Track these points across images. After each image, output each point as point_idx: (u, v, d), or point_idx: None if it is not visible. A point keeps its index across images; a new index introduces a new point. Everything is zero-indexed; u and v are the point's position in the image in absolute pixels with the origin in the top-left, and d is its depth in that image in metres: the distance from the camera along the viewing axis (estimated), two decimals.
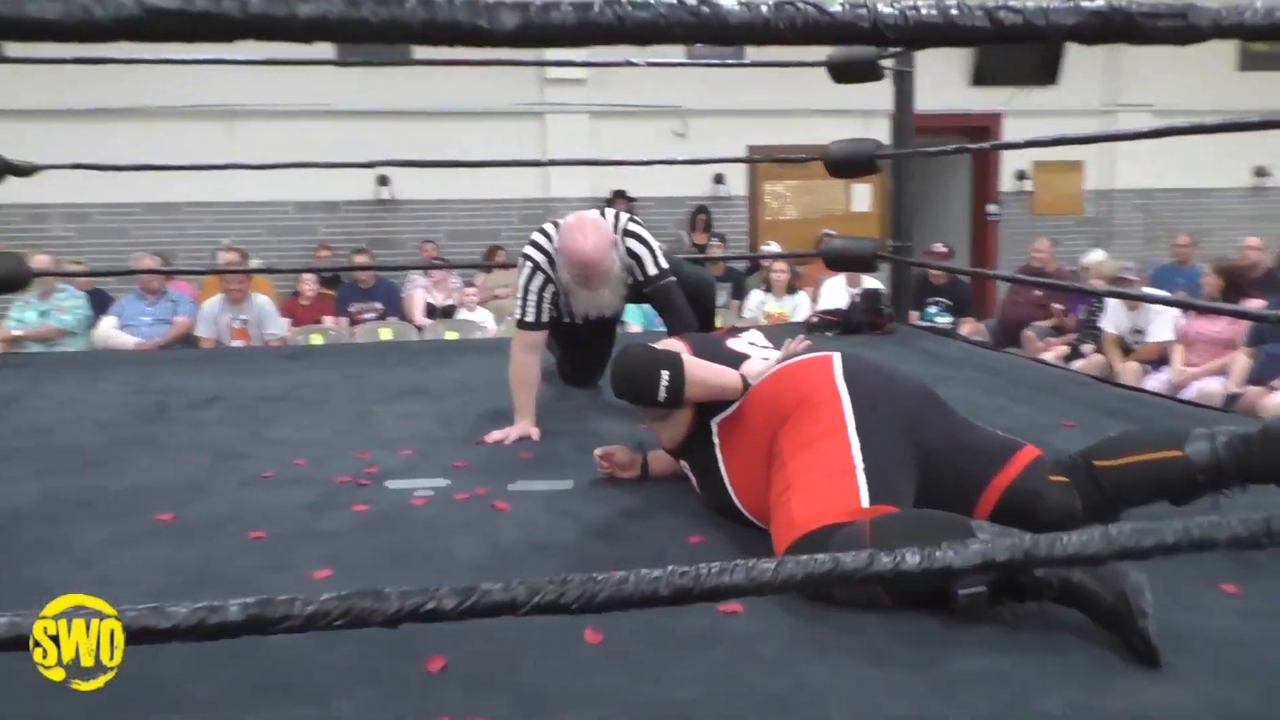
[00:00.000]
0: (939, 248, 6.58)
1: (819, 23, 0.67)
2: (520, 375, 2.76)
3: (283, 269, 6.73)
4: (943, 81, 8.72)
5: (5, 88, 6.91)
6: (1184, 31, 0.72)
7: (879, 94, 4.65)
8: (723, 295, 7.18)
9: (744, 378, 1.92)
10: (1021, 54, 8.76)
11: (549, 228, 2.82)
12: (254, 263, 7.49)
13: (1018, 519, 1.81)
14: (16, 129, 7.01)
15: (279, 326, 5.69)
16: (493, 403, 2.95)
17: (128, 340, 5.52)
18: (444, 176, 7.75)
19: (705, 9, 0.65)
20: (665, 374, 1.87)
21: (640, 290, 2.89)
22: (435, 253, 7.68)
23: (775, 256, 6.77)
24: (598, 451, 2.28)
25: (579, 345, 3.10)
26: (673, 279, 2.88)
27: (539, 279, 2.80)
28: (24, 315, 5.59)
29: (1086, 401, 3.00)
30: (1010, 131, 8.81)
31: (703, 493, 2.00)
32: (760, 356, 2.02)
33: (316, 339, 6.07)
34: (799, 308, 6.16)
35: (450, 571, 1.76)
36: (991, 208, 9.32)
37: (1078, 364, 5.56)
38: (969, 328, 6.32)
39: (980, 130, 8.94)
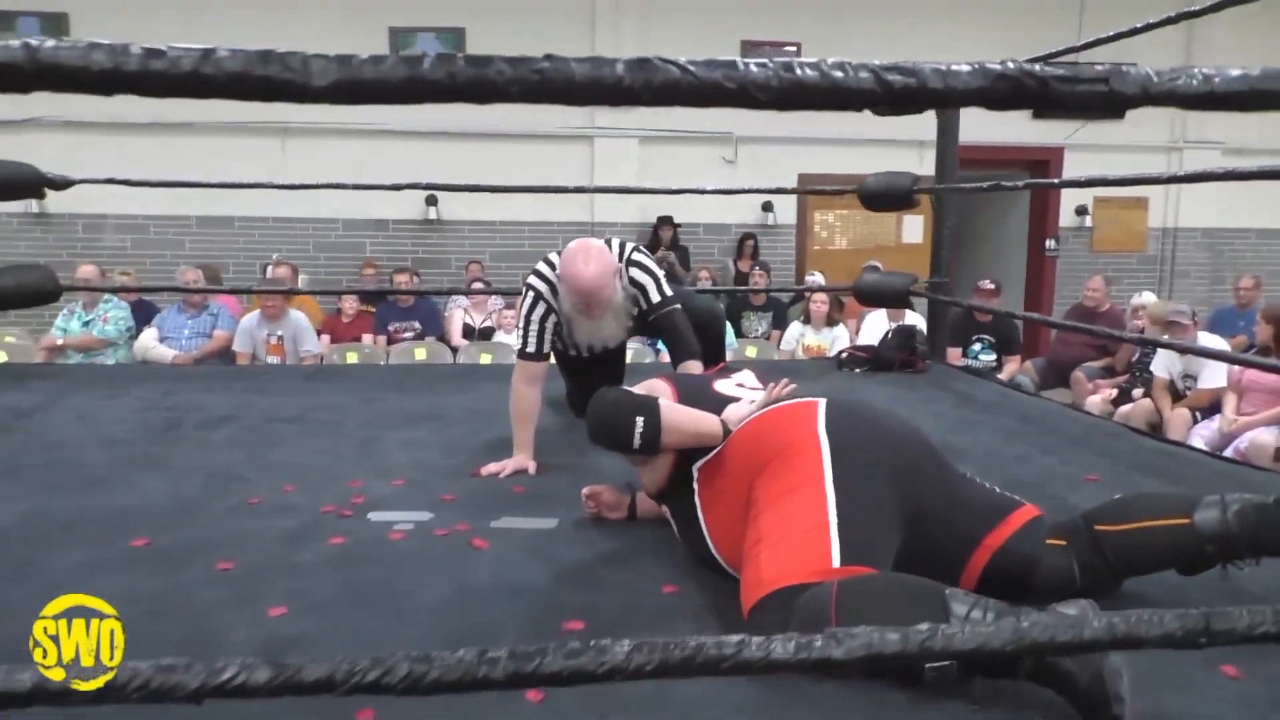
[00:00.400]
0: (986, 284, 6.41)
1: (679, 83, 0.61)
2: (520, 407, 2.71)
3: (313, 290, 6.79)
4: (1004, 114, 8.54)
5: (65, 100, 7.11)
6: (1106, 98, 0.64)
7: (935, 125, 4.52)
8: (763, 325, 7.09)
9: (725, 423, 1.84)
10: None
11: (553, 256, 2.77)
12: (301, 279, 7.61)
13: (1010, 582, 1.71)
14: (75, 140, 7.22)
15: (314, 344, 5.73)
16: (502, 431, 2.90)
17: (166, 353, 5.59)
18: (491, 198, 7.77)
19: (549, 66, 0.59)
20: (640, 420, 1.80)
21: (645, 320, 2.83)
22: (481, 274, 7.71)
23: (805, 289, 6.66)
24: (585, 491, 2.22)
25: (585, 376, 3.04)
26: (677, 307, 2.82)
27: (541, 309, 2.75)
28: (69, 325, 5.71)
29: (1117, 454, 2.86)
30: (1072, 166, 8.59)
31: (682, 540, 1.92)
32: (746, 399, 1.94)
33: (352, 357, 6.10)
34: (837, 341, 6.04)
35: (409, 613, 1.70)
36: (1050, 243, 9.08)
37: (1124, 409, 5.35)
38: (1014, 366, 6.13)
39: (1041, 164, 8.74)
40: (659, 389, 1.99)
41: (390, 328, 6.69)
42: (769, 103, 0.63)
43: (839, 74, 0.62)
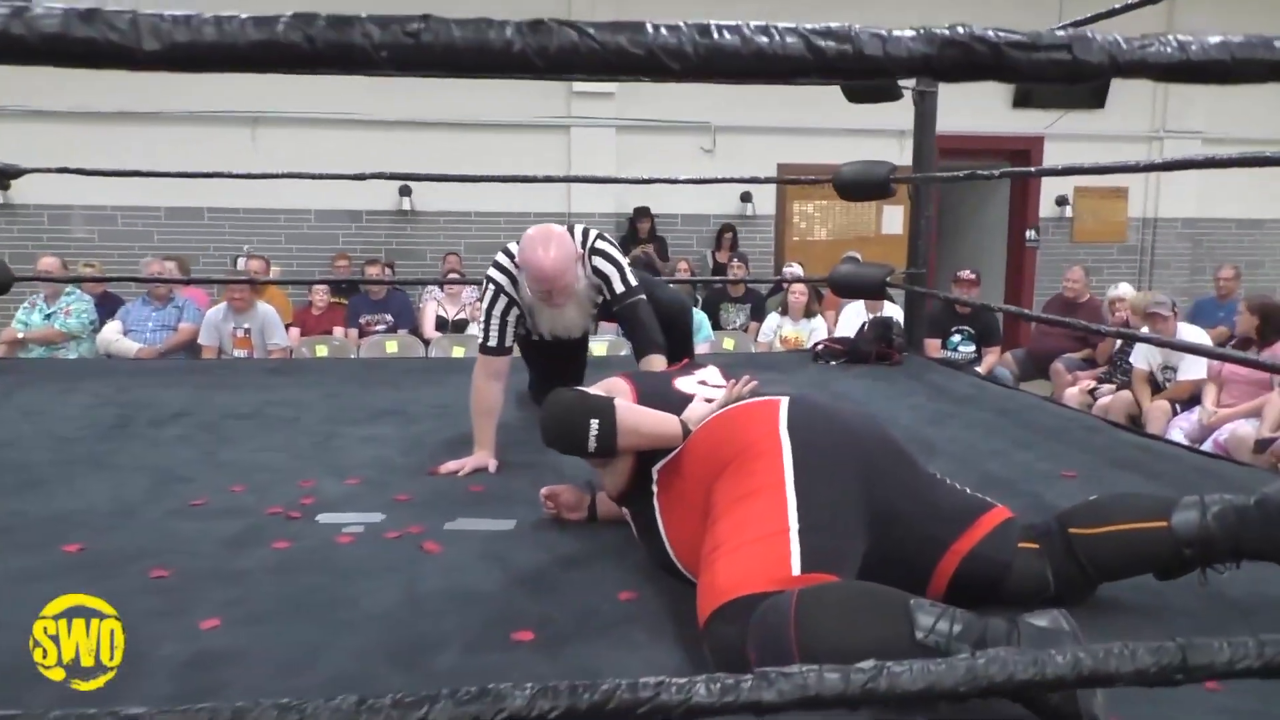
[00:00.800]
0: (966, 274, 6.35)
1: (577, 48, 0.52)
2: (481, 403, 2.62)
3: (280, 280, 6.66)
4: (983, 103, 8.48)
5: (30, 90, 6.96)
6: (1069, 67, 0.55)
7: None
8: (741, 316, 7.01)
9: (684, 424, 1.75)
10: None
11: (512, 246, 2.67)
12: (273, 271, 7.48)
13: (981, 588, 1.64)
14: (39, 130, 7.06)
15: (283, 337, 5.61)
16: (468, 428, 2.81)
17: (130, 346, 5.46)
18: (466, 189, 7.65)
19: (424, 28, 0.51)
20: (595, 423, 1.72)
21: (609, 310, 2.74)
22: (458, 265, 7.59)
23: (783, 280, 6.58)
24: (543, 491, 2.13)
25: (549, 362, 2.94)
26: (642, 298, 2.73)
27: (502, 302, 2.66)
28: (30, 318, 5.57)
29: (1095, 449, 2.79)
30: (1053, 156, 8.53)
31: (642, 544, 1.84)
32: (704, 398, 1.85)
33: (322, 351, 5.98)
34: (815, 332, 5.96)
35: (351, 623, 1.61)
36: (1030, 233, 9.04)
37: (1103, 400, 5.30)
38: (994, 358, 6.07)
39: (1021, 154, 8.68)
40: (618, 388, 1.90)
41: (362, 320, 6.57)
42: (684, 72, 0.54)
43: (763, 39, 0.54)
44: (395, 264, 7.84)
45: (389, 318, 6.59)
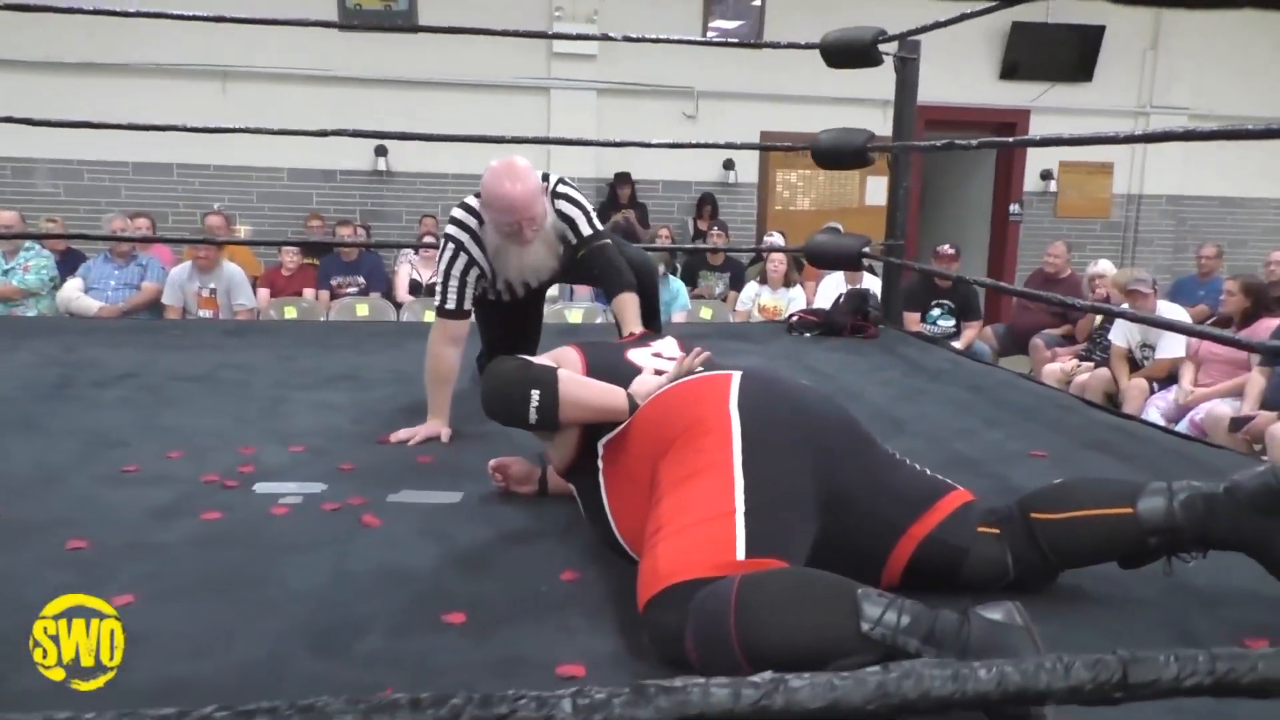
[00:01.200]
0: (945, 249, 6.26)
1: None
2: (436, 370, 2.52)
3: (247, 241, 6.50)
4: (970, 74, 8.37)
5: None
6: None
7: None
8: (720, 285, 6.92)
9: (632, 397, 1.67)
10: (1055, 48, 8.39)
11: (471, 200, 2.54)
12: (242, 229, 7.33)
13: (938, 574, 1.57)
14: (4, 80, 6.86)
15: (249, 297, 5.48)
16: (423, 395, 2.71)
17: (91, 304, 5.32)
18: (444, 150, 7.48)
19: None
20: (536, 394, 1.62)
21: (575, 256, 2.61)
22: (434, 227, 7.45)
23: (762, 250, 6.49)
24: (491, 463, 2.05)
25: (504, 325, 2.82)
26: (609, 241, 2.62)
27: (462, 260, 2.54)
28: None
29: (1067, 428, 2.73)
30: (1038, 129, 8.43)
31: (588, 521, 1.75)
32: (654, 369, 1.76)
33: (290, 312, 5.86)
34: (794, 302, 5.88)
35: (274, 603, 1.52)
36: (1013, 208, 8.95)
37: (1080, 378, 5.25)
38: (973, 333, 6.01)
39: (1007, 126, 8.57)
40: (566, 357, 1.81)
41: (333, 282, 6.45)
42: None
43: None
44: (370, 225, 7.69)
45: (361, 280, 6.46)
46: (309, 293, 6.36)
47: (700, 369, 1.71)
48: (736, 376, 1.59)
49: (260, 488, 2.04)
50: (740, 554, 1.36)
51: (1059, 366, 5.61)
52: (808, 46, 4.06)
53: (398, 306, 6.32)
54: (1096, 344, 5.54)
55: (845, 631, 1.22)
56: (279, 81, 7.39)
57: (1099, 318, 5.58)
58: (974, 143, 3.10)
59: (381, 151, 7.73)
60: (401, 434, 2.43)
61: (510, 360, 1.70)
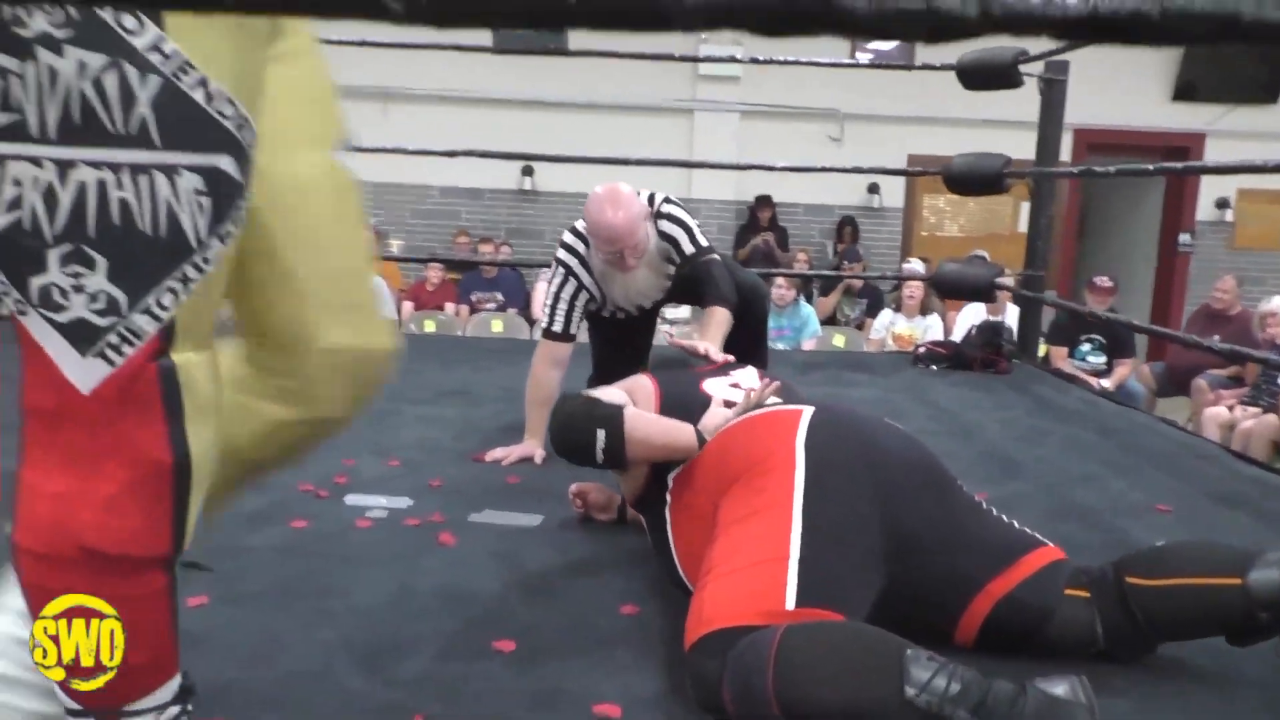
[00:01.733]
0: (1102, 281, 5.90)
1: None
2: (537, 391, 2.53)
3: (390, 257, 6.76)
4: (1139, 94, 7.91)
5: None
6: (921, 18, 0.40)
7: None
8: (857, 311, 6.76)
9: (700, 433, 1.62)
10: (1238, 67, 7.83)
11: (579, 225, 2.56)
12: (394, 244, 7.63)
13: (1019, 635, 1.46)
14: None
15: (391, 310, 5.66)
16: None
17: None
18: (588, 170, 7.61)
19: None
20: (602, 434, 1.60)
21: (681, 276, 2.58)
22: None
23: (898, 278, 6.28)
24: (572, 488, 2.04)
25: (615, 341, 2.80)
26: (715, 256, 2.57)
27: (571, 285, 2.55)
28: None
29: (1203, 480, 2.51)
30: (1215, 153, 7.89)
31: (654, 553, 1.72)
32: (723, 401, 1.71)
33: (430, 326, 6.05)
34: (930, 331, 5.67)
35: (332, 614, 1.56)
36: (1184, 237, 8.40)
37: (1246, 425, 4.84)
38: (1125, 371, 5.63)
39: (1179, 151, 8.06)
40: (640, 388, 1.78)
41: (473, 297, 6.63)
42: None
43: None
44: (513, 243, 7.88)
45: (500, 296, 6.62)
46: (450, 307, 6.55)
47: (774, 401, 1.65)
48: (807, 413, 1.53)
49: (350, 499, 2.09)
50: (790, 603, 1.30)
51: (1221, 410, 5.20)
52: (944, 68, 3.92)
53: (532, 323, 6.44)
54: (1263, 389, 5.11)
55: (887, 695, 1.15)
56: (434, 104, 7.67)
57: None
58: (1112, 169, 2.91)
59: (528, 171, 7.92)
60: (496, 453, 2.45)
61: (576, 398, 1.69)
